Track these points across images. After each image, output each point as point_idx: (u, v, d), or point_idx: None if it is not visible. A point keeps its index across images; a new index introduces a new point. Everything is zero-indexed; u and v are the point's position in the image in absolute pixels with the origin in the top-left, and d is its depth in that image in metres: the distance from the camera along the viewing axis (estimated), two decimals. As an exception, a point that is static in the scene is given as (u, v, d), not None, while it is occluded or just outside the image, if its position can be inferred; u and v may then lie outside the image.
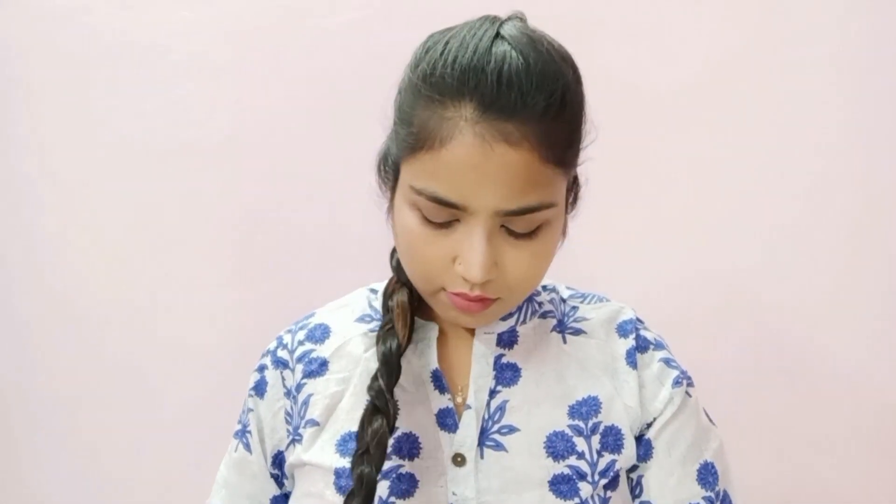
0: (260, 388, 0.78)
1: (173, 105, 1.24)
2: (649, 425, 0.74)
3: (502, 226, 0.63)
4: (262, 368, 0.79)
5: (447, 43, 0.62)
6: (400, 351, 0.69)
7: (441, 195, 0.61)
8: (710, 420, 0.78)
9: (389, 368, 0.68)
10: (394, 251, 0.77)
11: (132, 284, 1.27)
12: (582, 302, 0.80)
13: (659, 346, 0.78)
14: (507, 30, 0.63)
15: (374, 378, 0.68)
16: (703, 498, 0.73)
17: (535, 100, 0.59)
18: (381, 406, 0.66)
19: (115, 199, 1.26)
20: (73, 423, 1.30)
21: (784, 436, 1.19)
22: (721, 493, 0.75)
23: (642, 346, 0.76)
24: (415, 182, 0.62)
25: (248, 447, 0.77)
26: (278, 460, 0.76)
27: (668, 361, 0.76)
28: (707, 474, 0.74)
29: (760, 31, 1.15)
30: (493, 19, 0.64)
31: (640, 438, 0.74)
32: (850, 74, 1.14)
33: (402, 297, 0.72)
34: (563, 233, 0.71)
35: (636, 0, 1.17)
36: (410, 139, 0.62)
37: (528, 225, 0.63)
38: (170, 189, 1.25)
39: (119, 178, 1.26)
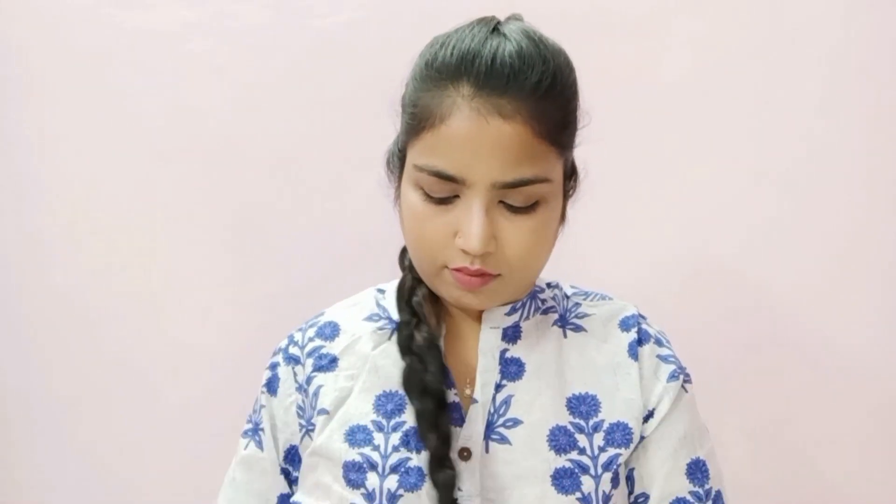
0: (272, 386, 0.79)
1: (173, 105, 1.24)
2: (646, 419, 0.74)
3: (501, 202, 0.67)
4: (273, 366, 0.80)
5: (449, 37, 0.68)
6: (436, 336, 0.72)
7: (441, 169, 0.65)
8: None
9: (434, 353, 0.70)
10: (402, 253, 0.79)
11: (133, 284, 1.27)
12: (585, 299, 0.81)
13: (658, 341, 0.79)
14: (504, 26, 0.69)
15: (417, 370, 0.70)
16: (690, 493, 0.73)
17: (525, 77, 0.64)
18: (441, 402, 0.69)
19: (115, 199, 1.26)
20: (73, 422, 1.29)
21: (785, 429, 1.18)
22: (712, 492, 0.74)
23: (643, 338, 0.78)
24: (417, 160, 0.67)
25: (259, 444, 0.78)
26: (291, 455, 0.78)
27: (665, 357, 0.77)
28: (697, 470, 0.74)
29: (759, 27, 1.16)
30: (492, 19, 0.70)
31: None
32: (850, 72, 1.14)
33: (424, 290, 0.75)
34: (563, 218, 0.74)
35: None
36: (414, 121, 0.68)
37: (524, 199, 0.66)
38: (170, 189, 1.25)
39: (119, 177, 1.26)
